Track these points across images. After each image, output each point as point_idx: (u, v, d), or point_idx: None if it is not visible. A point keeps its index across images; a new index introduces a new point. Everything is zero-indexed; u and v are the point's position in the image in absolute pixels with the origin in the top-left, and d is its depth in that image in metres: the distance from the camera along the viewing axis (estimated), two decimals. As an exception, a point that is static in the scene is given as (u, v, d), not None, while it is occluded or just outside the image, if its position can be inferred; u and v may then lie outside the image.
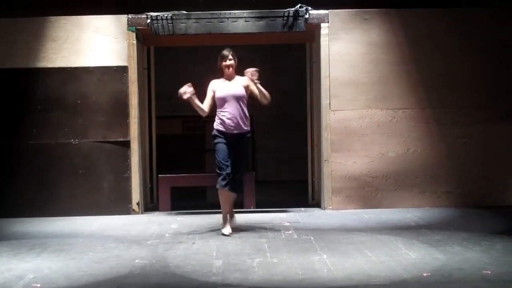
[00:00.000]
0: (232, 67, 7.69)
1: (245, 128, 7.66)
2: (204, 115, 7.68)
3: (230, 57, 7.67)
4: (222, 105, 7.62)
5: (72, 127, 9.13)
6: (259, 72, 7.49)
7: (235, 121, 7.57)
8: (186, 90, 7.41)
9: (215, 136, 7.65)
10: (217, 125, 7.65)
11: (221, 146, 7.58)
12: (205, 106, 7.63)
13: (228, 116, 7.57)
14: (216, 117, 7.68)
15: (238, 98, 7.59)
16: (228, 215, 7.72)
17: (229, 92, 7.61)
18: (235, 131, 7.57)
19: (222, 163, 7.49)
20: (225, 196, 7.59)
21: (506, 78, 9.25)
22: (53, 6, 9.37)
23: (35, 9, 9.30)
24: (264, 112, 12.62)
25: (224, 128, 7.59)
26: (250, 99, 7.75)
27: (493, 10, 9.37)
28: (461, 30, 9.25)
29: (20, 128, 9.12)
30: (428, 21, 9.25)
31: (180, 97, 7.38)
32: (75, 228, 8.27)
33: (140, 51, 9.47)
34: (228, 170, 7.47)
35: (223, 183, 7.47)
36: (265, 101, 7.63)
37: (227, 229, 7.61)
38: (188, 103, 7.50)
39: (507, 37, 9.25)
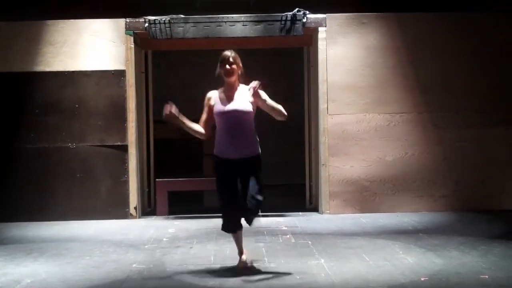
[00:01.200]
0: (234, 73, 6.03)
1: (251, 152, 6.04)
2: (203, 137, 6.14)
3: (231, 60, 6.01)
4: (221, 124, 6.01)
5: (69, 131, 9.12)
6: (261, 85, 5.99)
7: (237, 145, 5.97)
8: (170, 110, 5.87)
9: (215, 164, 6.10)
10: (216, 149, 6.07)
11: (222, 182, 6.02)
12: (201, 126, 6.07)
13: (228, 139, 5.98)
14: (216, 138, 6.11)
15: (242, 116, 5.98)
16: (240, 251, 6.29)
17: (230, 107, 5.97)
18: (237, 157, 5.97)
19: (223, 205, 6.04)
20: (234, 236, 6.28)
21: (504, 82, 9.26)
22: (50, 9, 9.37)
23: (33, 13, 9.30)
24: (261, 116, 12.65)
25: (224, 154, 6.00)
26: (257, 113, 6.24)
27: (491, 14, 9.39)
28: (459, 34, 9.27)
29: (18, 132, 9.11)
30: (425, 25, 9.26)
31: (166, 117, 5.92)
32: (72, 232, 8.26)
33: (138, 55, 9.48)
34: (232, 213, 6.03)
35: (228, 229, 6.15)
36: (280, 118, 6.14)
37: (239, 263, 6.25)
38: (177, 126, 6.03)
39: (505, 41, 9.26)
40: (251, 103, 6.03)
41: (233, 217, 6.03)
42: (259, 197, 5.96)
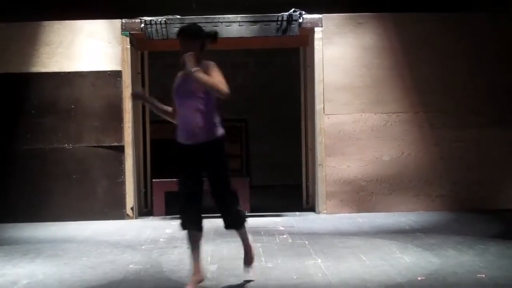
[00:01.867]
0: (184, 49, 5.37)
1: (206, 136, 5.35)
2: (172, 118, 5.61)
3: (181, 35, 5.46)
4: (177, 106, 5.49)
5: (66, 132, 9.11)
6: (192, 56, 5.27)
7: (188, 127, 5.36)
8: (134, 92, 6.07)
9: (177, 151, 5.52)
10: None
11: (179, 172, 5.47)
12: (170, 107, 5.62)
13: (181, 120, 5.42)
14: None
15: (189, 94, 5.33)
16: (195, 263, 5.51)
17: (178, 87, 5.45)
18: (191, 142, 5.36)
19: (178, 198, 5.48)
20: (190, 237, 5.53)
21: (501, 82, 9.27)
22: (46, 10, 9.35)
23: (29, 14, 9.28)
24: (258, 116, 12.67)
25: (179, 138, 5.44)
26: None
27: (488, 15, 9.38)
28: (456, 34, 9.27)
29: (14, 133, 9.10)
30: (422, 25, 9.26)
31: (133, 98, 6.09)
32: (69, 233, 8.25)
33: (134, 55, 9.47)
34: (187, 207, 5.42)
35: (181, 223, 5.49)
36: (218, 95, 5.30)
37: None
38: (149, 106, 5.90)
39: (502, 41, 9.27)
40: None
41: (186, 215, 5.41)
42: (242, 213, 5.58)
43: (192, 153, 5.38)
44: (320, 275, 5.90)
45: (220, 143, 5.43)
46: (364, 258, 6.45)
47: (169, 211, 9.42)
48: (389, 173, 9.22)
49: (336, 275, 5.86)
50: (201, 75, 5.22)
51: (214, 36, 5.59)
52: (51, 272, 6.25)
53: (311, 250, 6.88)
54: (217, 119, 5.42)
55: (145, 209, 9.92)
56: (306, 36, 9.51)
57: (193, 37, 5.46)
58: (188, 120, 5.35)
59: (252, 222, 8.57)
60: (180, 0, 9.70)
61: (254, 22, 9.13)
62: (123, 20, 9.17)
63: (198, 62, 5.34)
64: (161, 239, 7.71)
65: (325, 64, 9.21)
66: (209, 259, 6.59)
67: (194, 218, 5.44)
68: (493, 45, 9.28)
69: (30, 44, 9.11)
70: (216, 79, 5.25)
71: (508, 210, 9.05)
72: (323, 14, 9.24)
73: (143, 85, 10.05)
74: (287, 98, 12.12)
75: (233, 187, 5.55)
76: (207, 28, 9.01)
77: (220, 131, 5.44)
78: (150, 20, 9.08)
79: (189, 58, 5.26)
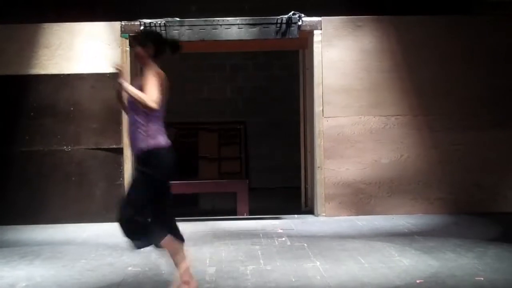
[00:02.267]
0: (137, 56, 5.46)
1: (139, 147, 5.22)
2: None
3: (134, 42, 5.49)
4: None
5: (64, 134, 9.10)
6: (122, 68, 5.32)
7: (130, 135, 5.34)
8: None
9: None
10: None
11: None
12: None
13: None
14: None
15: (131, 106, 5.31)
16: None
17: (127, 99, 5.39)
18: (133, 150, 5.37)
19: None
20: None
21: (499, 85, 9.26)
22: (46, 12, 9.36)
23: (28, 16, 9.28)
24: (257, 119, 12.66)
25: None
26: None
27: (487, 17, 9.39)
28: (454, 37, 9.27)
29: (12, 135, 9.08)
30: (421, 28, 9.27)
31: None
32: (67, 235, 8.24)
33: (133, 58, 9.46)
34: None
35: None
36: (141, 106, 5.13)
37: None
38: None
39: (501, 44, 9.27)
40: (140, 86, 5.19)
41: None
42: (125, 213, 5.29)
43: (136, 160, 5.39)
44: (318, 277, 5.90)
45: (149, 155, 5.19)
46: (363, 261, 6.45)
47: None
48: (388, 176, 9.22)
49: (334, 278, 5.86)
50: (126, 86, 5.14)
51: (174, 45, 5.50)
52: (49, 274, 6.24)
53: (310, 253, 6.88)
54: (154, 130, 5.21)
55: (143, 212, 9.90)
56: (305, 39, 9.51)
57: (142, 42, 5.37)
58: (130, 129, 5.31)
59: (251, 224, 8.63)
60: (179, 3, 9.72)
61: (254, 24, 9.13)
62: (123, 22, 9.17)
63: (147, 68, 5.30)
64: (159, 242, 7.70)
65: (324, 67, 9.21)
66: (207, 262, 6.59)
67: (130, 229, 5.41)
68: (493, 47, 9.27)
69: (29, 46, 9.10)
70: (146, 91, 5.09)
71: (507, 213, 9.04)
72: (322, 17, 9.24)
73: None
74: (286, 100, 12.12)
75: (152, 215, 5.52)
76: (206, 30, 9.09)
77: (152, 142, 5.19)
78: (150, 23, 9.08)
79: (119, 71, 5.24)
